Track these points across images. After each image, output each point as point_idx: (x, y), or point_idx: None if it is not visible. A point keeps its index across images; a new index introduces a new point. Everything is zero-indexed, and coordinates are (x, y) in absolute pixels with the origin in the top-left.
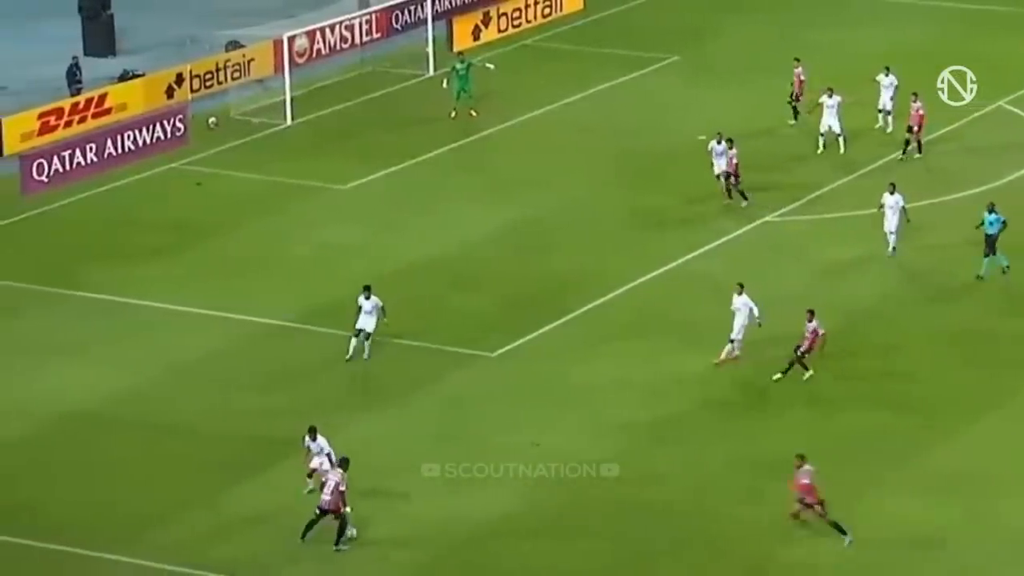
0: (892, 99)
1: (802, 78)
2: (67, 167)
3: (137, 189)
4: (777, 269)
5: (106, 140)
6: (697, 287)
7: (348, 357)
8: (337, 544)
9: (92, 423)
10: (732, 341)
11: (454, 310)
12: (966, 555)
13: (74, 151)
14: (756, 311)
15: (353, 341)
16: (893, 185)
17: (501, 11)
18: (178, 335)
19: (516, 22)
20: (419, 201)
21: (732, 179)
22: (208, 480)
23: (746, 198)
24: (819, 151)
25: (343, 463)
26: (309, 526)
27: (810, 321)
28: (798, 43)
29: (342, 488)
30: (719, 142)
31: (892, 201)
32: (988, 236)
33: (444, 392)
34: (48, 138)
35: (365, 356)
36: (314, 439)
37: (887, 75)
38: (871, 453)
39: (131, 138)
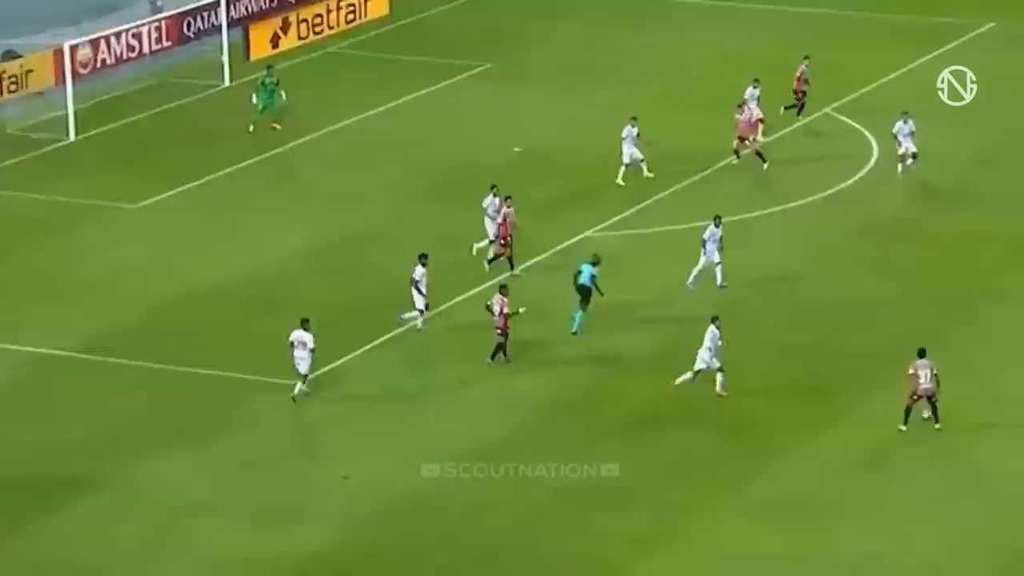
0: (759, 106)
1: (804, 76)
2: None
3: None
4: (602, 286)
5: None
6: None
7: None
8: (492, 359)
9: None
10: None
11: (256, 336)
12: None
13: None
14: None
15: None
16: (718, 217)
17: (301, 17)
18: None
19: (317, 29)
20: (217, 220)
21: (499, 243)
22: None
23: (487, 261)
24: (620, 181)
25: (503, 289)
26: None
27: None
28: (617, 49)
29: (506, 311)
30: (495, 196)
31: (716, 234)
32: (581, 287)
33: (247, 423)
34: None
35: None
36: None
37: (755, 87)
38: (701, 476)
39: None
